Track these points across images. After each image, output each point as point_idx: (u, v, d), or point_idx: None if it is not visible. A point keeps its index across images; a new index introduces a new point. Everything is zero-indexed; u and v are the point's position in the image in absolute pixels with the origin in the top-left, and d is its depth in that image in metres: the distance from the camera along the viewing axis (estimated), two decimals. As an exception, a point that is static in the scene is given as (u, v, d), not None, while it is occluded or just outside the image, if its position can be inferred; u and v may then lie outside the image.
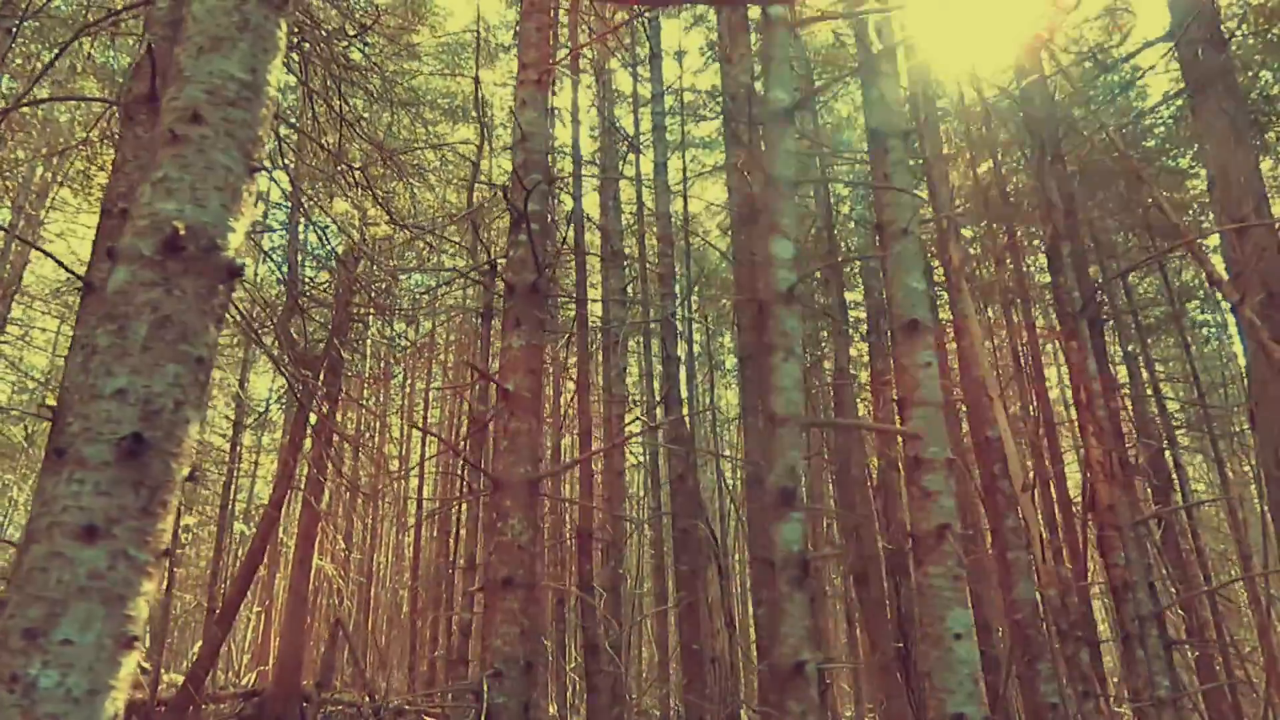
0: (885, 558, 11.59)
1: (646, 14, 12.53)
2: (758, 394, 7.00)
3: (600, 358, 12.74)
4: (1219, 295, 13.06)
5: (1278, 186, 14.04)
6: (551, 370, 13.28)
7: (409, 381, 23.71)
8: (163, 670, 16.98)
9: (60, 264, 4.76)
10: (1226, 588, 11.01)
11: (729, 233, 9.14)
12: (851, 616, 17.49)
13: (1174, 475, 12.56)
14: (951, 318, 8.08)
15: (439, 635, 16.47)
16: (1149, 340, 15.47)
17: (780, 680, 2.51)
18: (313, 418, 13.41)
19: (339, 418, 17.52)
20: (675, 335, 10.94)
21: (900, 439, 3.45)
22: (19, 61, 10.75)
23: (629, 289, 14.52)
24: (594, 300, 14.50)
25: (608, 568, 11.78)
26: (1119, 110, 11.80)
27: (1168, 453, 12.49)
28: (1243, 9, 11.15)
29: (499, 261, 7.75)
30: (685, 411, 11.03)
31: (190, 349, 2.03)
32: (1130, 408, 12.81)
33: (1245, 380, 9.79)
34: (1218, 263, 8.54)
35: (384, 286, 13.56)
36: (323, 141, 11.71)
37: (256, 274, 16.37)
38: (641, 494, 21.33)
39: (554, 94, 12.38)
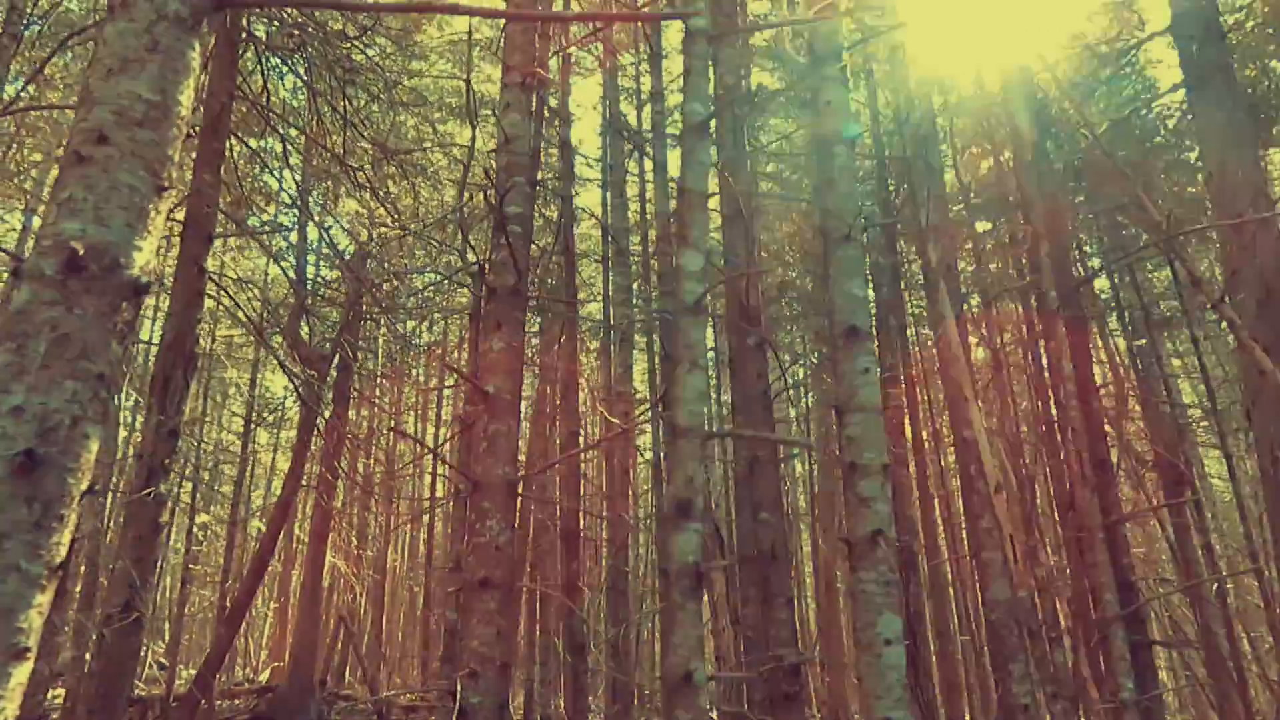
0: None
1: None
2: (738, 392, 7.02)
3: (596, 358, 12.75)
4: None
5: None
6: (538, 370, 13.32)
7: (427, 380, 23.88)
8: (181, 667, 17.24)
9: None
10: (1220, 584, 10.85)
11: (720, 230, 9.15)
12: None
13: (1186, 471, 12.43)
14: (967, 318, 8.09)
15: (449, 631, 16.58)
16: (1163, 334, 15.31)
17: (670, 689, 2.54)
18: (324, 417, 13.55)
19: (353, 415, 17.68)
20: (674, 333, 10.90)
21: (839, 446, 3.45)
22: (24, 68, 10.93)
23: (635, 286, 14.54)
24: (592, 300, 14.49)
25: (612, 567, 11.79)
26: (1120, 104, 11.67)
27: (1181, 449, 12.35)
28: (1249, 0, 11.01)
29: (486, 264, 7.80)
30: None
31: (91, 366, 2.08)
32: (1139, 403, 12.69)
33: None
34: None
35: (390, 287, 13.65)
36: (328, 143, 11.81)
37: (266, 275, 16.53)
38: (645, 489, 21.34)
39: (556, 94, 12.41)
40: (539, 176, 8.62)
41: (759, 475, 6.34)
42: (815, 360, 18.00)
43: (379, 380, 18.68)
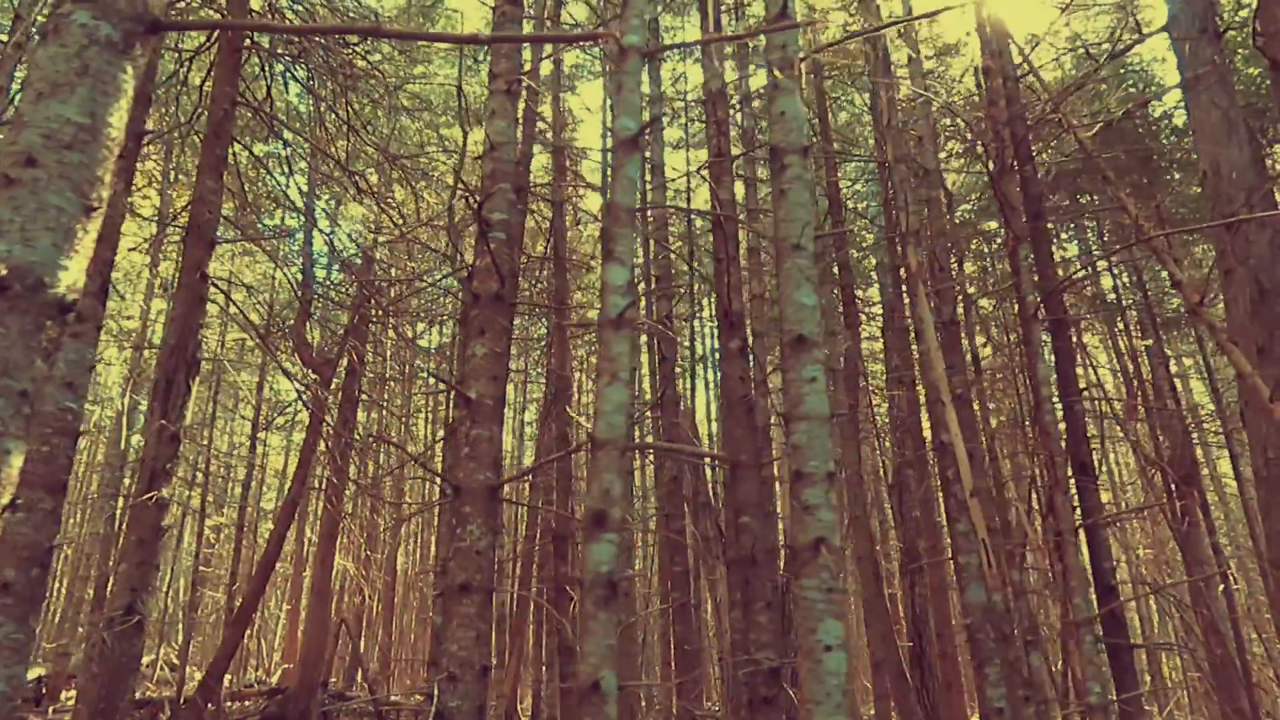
0: (900, 557, 11.51)
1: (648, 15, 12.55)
2: (726, 398, 7.04)
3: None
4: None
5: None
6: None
7: (435, 384, 24.00)
8: (193, 668, 17.42)
9: None
10: (1227, 584, 10.77)
11: (710, 233, 9.16)
12: (869, 616, 17.38)
13: (1195, 471, 12.34)
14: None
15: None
16: (1170, 335, 15.21)
17: (579, 697, 2.57)
18: (328, 421, 13.67)
19: (361, 418, 17.81)
20: (671, 335, 10.96)
21: (790, 451, 3.47)
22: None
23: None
24: (588, 306, 14.52)
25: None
26: (1122, 101, 11.59)
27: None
28: (1250, -3, 10.91)
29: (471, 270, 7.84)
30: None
31: (12, 383, 2.14)
32: (1146, 403, 12.61)
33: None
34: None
35: (394, 291, 13.75)
36: (332, 149, 11.92)
37: (274, 281, 16.68)
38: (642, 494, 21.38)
39: (571, 94, 12.48)
40: (529, 183, 8.67)
41: (740, 479, 6.37)
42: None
43: (388, 383, 18.82)
